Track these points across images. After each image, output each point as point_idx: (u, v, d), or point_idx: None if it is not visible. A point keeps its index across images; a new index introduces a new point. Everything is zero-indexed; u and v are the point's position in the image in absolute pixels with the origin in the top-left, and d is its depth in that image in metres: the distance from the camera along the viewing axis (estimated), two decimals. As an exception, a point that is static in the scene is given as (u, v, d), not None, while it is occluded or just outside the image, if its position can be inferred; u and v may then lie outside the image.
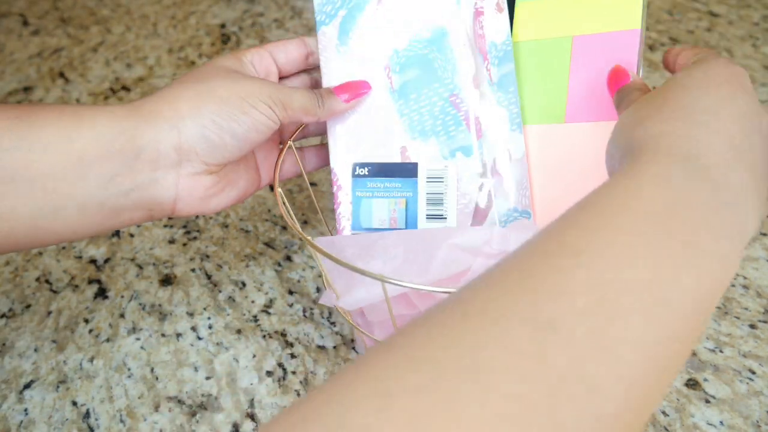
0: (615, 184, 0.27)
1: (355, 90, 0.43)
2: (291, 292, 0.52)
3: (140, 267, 0.55)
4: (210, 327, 0.50)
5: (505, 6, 0.44)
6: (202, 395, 0.45)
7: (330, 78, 0.45)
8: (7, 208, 0.34)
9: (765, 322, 0.47)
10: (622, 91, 0.37)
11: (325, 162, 0.50)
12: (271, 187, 0.63)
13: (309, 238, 0.37)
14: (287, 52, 0.45)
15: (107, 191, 0.36)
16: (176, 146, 0.37)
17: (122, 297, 0.53)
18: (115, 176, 0.36)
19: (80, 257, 0.57)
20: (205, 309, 0.51)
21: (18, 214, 0.35)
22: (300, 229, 0.38)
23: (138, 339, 0.49)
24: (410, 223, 0.44)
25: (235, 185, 0.43)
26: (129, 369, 0.47)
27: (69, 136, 0.35)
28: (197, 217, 0.60)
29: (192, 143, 0.38)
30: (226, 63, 0.41)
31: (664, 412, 0.42)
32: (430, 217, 0.44)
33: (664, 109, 0.31)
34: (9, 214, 0.34)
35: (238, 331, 0.49)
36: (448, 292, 0.33)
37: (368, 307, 0.40)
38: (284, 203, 0.41)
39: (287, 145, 0.45)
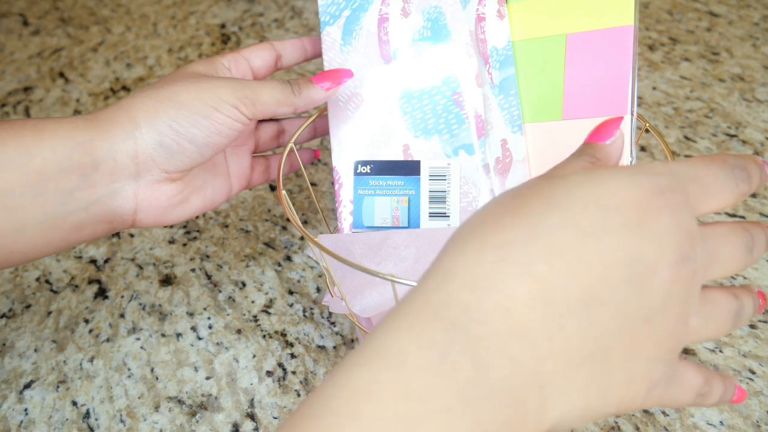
0: (362, 363, 0.21)
1: (337, 78, 0.41)
2: (291, 292, 0.52)
3: (140, 267, 0.55)
4: (210, 327, 0.50)
5: (506, 13, 0.44)
6: (202, 395, 0.45)
7: None
8: None
9: (765, 322, 0.47)
10: (580, 149, 0.28)
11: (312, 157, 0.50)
12: (272, 188, 0.63)
13: (316, 239, 0.37)
14: (260, 57, 0.44)
15: (68, 207, 0.35)
16: (133, 156, 0.36)
17: (122, 297, 0.53)
18: (75, 191, 0.35)
19: (80, 257, 0.57)
20: (205, 309, 0.51)
21: None
22: (306, 231, 0.38)
23: (138, 339, 0.49)
24: (413, 221, 0.44)
25: (201, 193, 0.41)
26: (129, 369, 0.47)
27: (29, 151, 0.34)
28: (197, 216, 0.60)
29: (149, 152, 0.36)
30: (197, 68, 0.40)
31: (664, 412, 0.42)
32: (433, 215, 0.44)
33: (491, 224, 0.23)
34: None
35: (238, 331, 0.49)
36: None
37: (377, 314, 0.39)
38: (290, 207, 0.41)
39: (288, 147, 0.45)
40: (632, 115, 0.41)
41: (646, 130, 0.45)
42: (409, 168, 0.44)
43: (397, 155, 0.44)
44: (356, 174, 0.45)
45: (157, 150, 0.37)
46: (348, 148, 0.45)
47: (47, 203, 0.35)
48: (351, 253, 0.40)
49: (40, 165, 0.34)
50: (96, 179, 0.36)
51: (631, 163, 0.41)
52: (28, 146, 0.34)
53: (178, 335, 0.49)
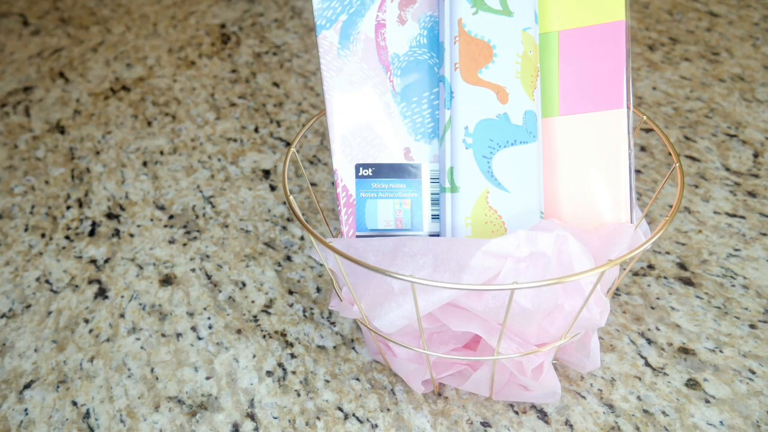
0: None
1: None
2: (291, 292, 0.52)
3: (140, 267, 0.55)
4: (210, 327, 0.50)
5: (408, 18, 0.44)
6: (202, 395, 0.45)
7: (331, 82, 0.45)
8: None
9: (765, 322, 0.47)
10: None
11: None
12: (272, 188, 0.63)
13: (334, 246, 0.37)
14: None
15: None
16: None
17: (122, 297, 0.53)
18: None
19: (80, 257, 0.57)
20: (205, 309, 0.51)
21: None
22: (320, 237, 0.38)
23: (138, 339, 0.49)
24: (416, 224, 0.44)
25: None
26: (129, 369, 0.47)
27: None
28: (197, 216, 0.60)
29: None
30: None
31: (664, 412, 0.42)
32: (435, 217, 0.44)
33: None
34: None
35: (238, 331, 0.49)
36: (480, 290, 0.33)
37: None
38: (296, 211, 0.40)
39: (290, 151, 0.46)
40: (628, 108, 0.41)
41: (648, 130, 0.45)
42: (410, 171, 0.44)
43: (399, 158, 0.44)
44: (358, 177, 0.45)
45: None
46: (349, 151, 0.45)
47: None
48: (365, 260, 0.39)
49: None
50: None
51: (629, 156, 0.41)
52: None
53: (178, 335, 0.49)
